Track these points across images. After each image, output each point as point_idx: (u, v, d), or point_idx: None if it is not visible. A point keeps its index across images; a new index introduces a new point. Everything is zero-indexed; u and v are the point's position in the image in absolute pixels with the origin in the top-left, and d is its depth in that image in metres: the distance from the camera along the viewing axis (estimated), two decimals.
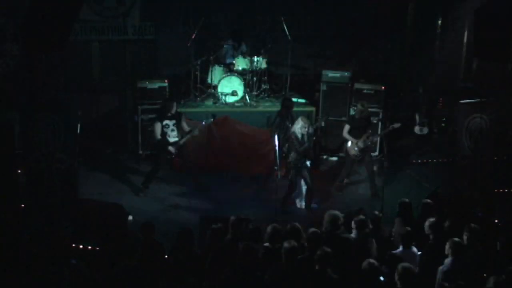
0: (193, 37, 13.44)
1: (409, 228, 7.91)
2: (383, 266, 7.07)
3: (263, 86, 13.82)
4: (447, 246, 7.24)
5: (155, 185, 11.60)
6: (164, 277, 7.15)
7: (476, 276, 7.16)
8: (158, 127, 11.23)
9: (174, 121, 11.25)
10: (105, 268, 7.36)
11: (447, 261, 7.18)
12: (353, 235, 7.92)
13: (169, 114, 11.30)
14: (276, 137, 10.54)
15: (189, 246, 7.54)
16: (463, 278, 6.89)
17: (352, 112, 12.77)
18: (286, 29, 13.52)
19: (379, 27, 14.90)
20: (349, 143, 11.51)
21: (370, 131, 11.58)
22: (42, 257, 7.17)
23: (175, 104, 11.56)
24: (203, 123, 11.52)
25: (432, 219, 7.97)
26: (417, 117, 13.48)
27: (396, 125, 11.26)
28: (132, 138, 13.33)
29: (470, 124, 11.05)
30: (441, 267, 7.17)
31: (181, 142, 11.25)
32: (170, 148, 11.22)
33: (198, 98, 13.48)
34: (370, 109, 12.11)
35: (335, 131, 13.04)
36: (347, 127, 11.54)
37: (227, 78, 13.26)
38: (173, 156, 11.42)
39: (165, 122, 11.24)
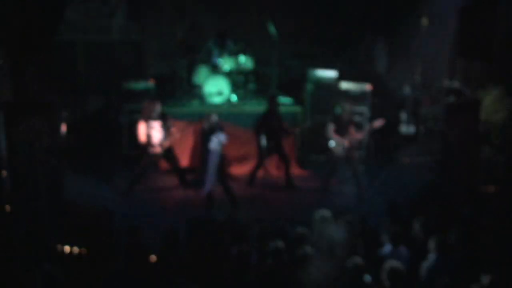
0: (178, 37, 13.38)
1: (397, 228, 7.91)
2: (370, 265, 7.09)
3: (249, 86, 13.79)
4: (431, 243, 7.28)
5: (141, 187, 11.52)
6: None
7: (461, 274, 7.19)
8: (142, 127, 11.12)
9: (160, 122, 11.15)
10: (91, 271, 7.29)
11: (431, 257, 7.22)
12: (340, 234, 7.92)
13: (155, 115, 11.18)
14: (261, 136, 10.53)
15: (176, 248, 7.50)
16: (448, 275, 6.93)
17: (339, 111, 12.69)
18: (272, 29, 13.50)
19: (364, 27, 14.92)
20: (334, 143, 11.46)
21: (355, 130, 11.57)
22: (16, 260, 7.08)
23: (159, 104, 11.46)
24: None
25: (420, 218, 7.99)
26: (402, 116, 13.51)
27: (379, 123, 11.24)
28: (118, 139, 13.23)
29: (455, 123, 11.10)
30: (425, 264, 7.21)
31: (165, 144, 11.16)
32: (153, 150, 11.13)
33: (184, 99, 13.42)
34: (356, 109, 12.38)
35: (322, 130, 13.04)
36: (332, 126, 11.49)
37: (213, 78, 13.21)
38: (154, 158, 11.33)
39: (150, 123, 11.14)
